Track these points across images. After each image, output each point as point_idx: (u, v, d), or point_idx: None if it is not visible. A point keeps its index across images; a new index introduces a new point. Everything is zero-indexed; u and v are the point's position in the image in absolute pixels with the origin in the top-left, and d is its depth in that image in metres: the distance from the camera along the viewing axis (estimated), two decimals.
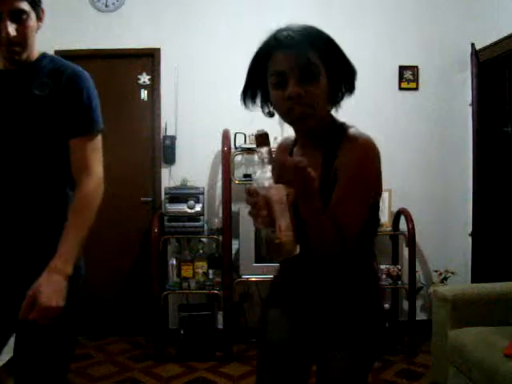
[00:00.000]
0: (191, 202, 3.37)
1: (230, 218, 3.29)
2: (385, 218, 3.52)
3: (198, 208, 3.37)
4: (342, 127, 1.25)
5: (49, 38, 3.41)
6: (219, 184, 3.56)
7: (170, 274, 3.45)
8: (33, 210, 1.43)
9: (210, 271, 3.41)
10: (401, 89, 3.74)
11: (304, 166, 1.03)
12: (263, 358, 1.43)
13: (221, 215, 3.44)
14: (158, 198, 3.64)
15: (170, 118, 3.65)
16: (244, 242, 3.30)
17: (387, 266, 3.46)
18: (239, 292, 3.59)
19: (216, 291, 3.33)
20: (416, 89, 3.73)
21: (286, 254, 1.06)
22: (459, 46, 3.64)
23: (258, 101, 1.28)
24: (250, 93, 1.27)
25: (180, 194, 3.40)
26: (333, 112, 1.30)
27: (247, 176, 3.50)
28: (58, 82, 1.43)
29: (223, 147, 3.29)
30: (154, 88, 3.69)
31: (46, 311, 1.28)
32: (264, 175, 1.07)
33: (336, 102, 1.26)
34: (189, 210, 3.36)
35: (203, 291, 3.40)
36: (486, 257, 3.54)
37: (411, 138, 3.73)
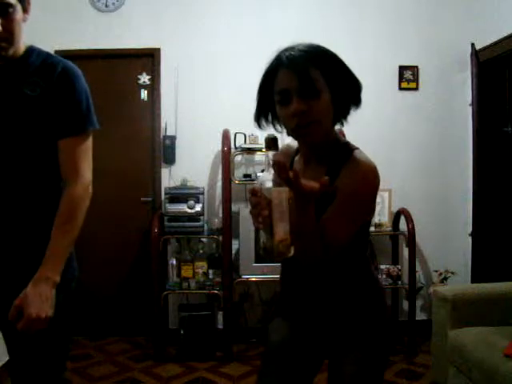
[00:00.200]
0: (191, 202, 3.37)
1: (229, 218, 3.29)
2: (385, 217, 3.52)
3: (198, 208, 3.37)
4: (347, 147, 1.29)
5: (49, 38, 3.44)
6: (219, 184, 3.57)
7: (169, 274, 3.45)
8: (26, 211, 1.39)
9: (210, 271, 3.42)
10: (401, 89, 3.74)
11: (310, 190, 1.05)
12: (266, 360, 1.44)
13: (221, 215, 3.44)
14: (158, 198, 3.64)
15: (170, 118, 3.65)
16: (244, 242, 3.30)
17: (387, 266, 3.45)
18: (239, 292, 3.59)
19: (216, 291, 3.33)
20: (416, 89, 3.73)
21: (280, 256, 1.09)
22: (459, 45, 3.64)
23: (270, 118, 1.32)
24: (261, 112, 1.32)
25: (180, 194, 3.41)
26: (340, 126, 1.33)
27: (247, 176, 3.50)
28: (49, 80, 1.38)
29: (223, 147, 3.29)
30: (154, 88, 3.69)
31: (33, 322, 1.27)
32: (268, 177, 1.10)
33: (342, 116, 1.28)
34: (189, 210, 3.36)
35: (203, 291, 3.40)
36: (486, 257, 3.54)
37: (411, 137, 3.73)
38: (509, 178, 3.49)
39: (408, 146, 3.72)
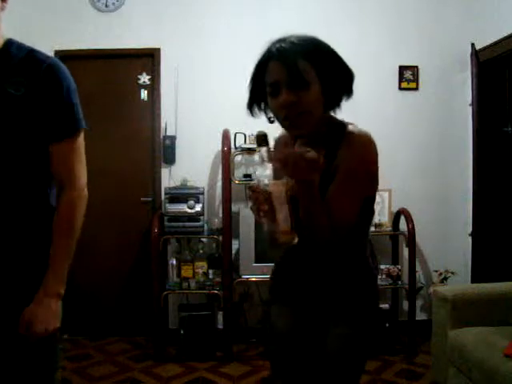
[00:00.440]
0: (191, 202, 3.37)
1: (229, 218, 3.29)
2: (385, 217, 3.52)
3: (198, 208, 3.37)
4: (342, 125, 1.31)
5: (49, 38, 3.45)
6: (219, 184, 3.56)
7: (169, 274, 3.44)
8: (11, 216, 1.30)
9: (210, 271, 3.41)
10: (401, 89, 3.74)
11: (313, 157, 1.10)
12: (271, 348, 1.50)
13: (221, 215, 3.44)
14: (158, 198, 3.64)
15: (170, 118, 3.65)
16: (244, 242, 3.29)
17: (387, 266, 3.46)
18: (239, 292, 3.59)
19: (216, 291, 3.33)
20: (416, 89, 3.73)
21: (285, 244, 1.19)
22: (459, 45, 3.64)
23: (262, 108, 1.35)
24: (254, 102, 1.35)
25: (180, 194, 3.40)
26: (332, 114, 1.34)
27: (247, 176, 3.49)
28: (34, 77, 1.27)
29: (223, 147, 3.29)
30: (154, 88, 3.69)
31: (42, 335, 1.28)
32: (264, 173, 1.17)
33: (334, 105, 1.30)
34: (189, 210, 3.36)
35: (203, 291, 3.40)
36: (486, 257, 3.54)
37: (411, 137, 3.73)
38: (509, 177, 3.49)
39: (408, 146, 3.72)
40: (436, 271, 3.61)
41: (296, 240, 1.18)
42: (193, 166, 3.65)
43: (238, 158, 3.63)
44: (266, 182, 1.17)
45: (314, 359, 1.44)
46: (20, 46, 1.33)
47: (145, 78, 3.71)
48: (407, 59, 3.72)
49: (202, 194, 3.43)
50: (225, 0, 3.69)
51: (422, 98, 3.74)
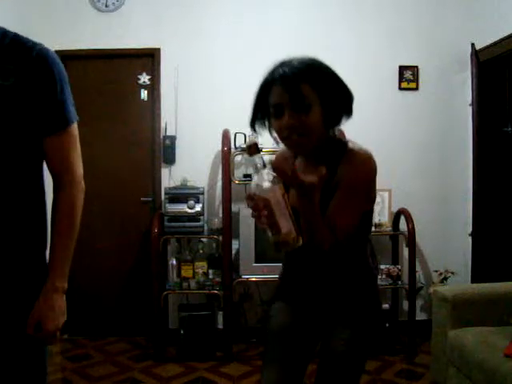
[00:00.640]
0: (191, 202, 3.37)
1: (229, 218, 3.29)
2: (385, 217, 3.52)
3: (197, 208, 3.37)
4: (342, 142, 1.37)
5: (49, 38, 3.43)
6: (219, 184, 3.56)
7: (169, 274, 3.44)
8: (4, 208, 1.25)
9: (210, 271, 3.41)
10: (401, 89, 3.73)
11: (312, 181, 1.19)
12: (268, 342, 1.53)
13: (221, 215, 3.44)
14: (158, 198, 3.64)
15: (170, 118, 3.65)
16: (244, 242, 3.29)
17: (387, 266, 3.46)
18: (239, 292, 3.59)
19: (216, 291, 3.33)
20: (416, 89, 3.73)
21: (289, 247, 1.20)
22: (459, 46, 3.64)
23: (266, 126, 1.42)
24: (257, 120, 1.41)
25: (180, 194, 3.40)
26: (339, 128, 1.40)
27: (247, 176, 3.49)
28: (23, 66, 1.21)
29: (223, 147, 3.29)
30: (154, 88, 3.69)
31: (54, 333, 1.28)
32: (260, 179, 1.19)
33: (334, 125, 1.36)
34: (189, 210, 3.36)
35: (203, 291, 3.40)
36: (486, 257, 3.54)
37: (411, 137, 3.72)
38: (509, 177, 3.49)
39: (408, 146, 3.72)
40: (436, 271, 3.61)
41: (300, 242, 1.20)
42: (193, 165, 3.65)
43: (238, 158, 3.62)
44: (263, 187, 1.18)
45: (305, 353, 1.50)
46: (4, 32, 1.25)
47: (145, 78, 3.71)
48: (407, 59, 3.72)
49: (202, 193, 3.43)
50: (225, 0, 3.68)
51: (422, 98, 3.74)
